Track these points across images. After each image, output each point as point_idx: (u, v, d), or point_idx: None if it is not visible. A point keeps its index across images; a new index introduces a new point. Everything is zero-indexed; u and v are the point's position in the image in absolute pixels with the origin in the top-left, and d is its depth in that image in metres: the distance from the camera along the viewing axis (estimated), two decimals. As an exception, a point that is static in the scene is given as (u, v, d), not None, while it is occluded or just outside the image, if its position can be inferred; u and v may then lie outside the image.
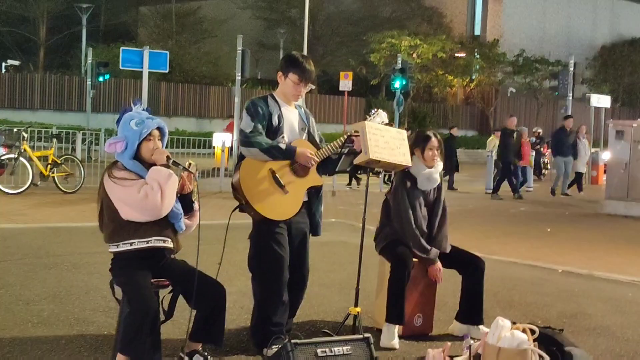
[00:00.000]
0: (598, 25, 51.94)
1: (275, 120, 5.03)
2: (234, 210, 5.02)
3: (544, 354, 4.45)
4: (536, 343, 4.46)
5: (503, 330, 4.38)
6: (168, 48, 31.70)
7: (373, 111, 5.44)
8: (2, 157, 14.40)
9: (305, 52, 24.94)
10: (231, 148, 19.32)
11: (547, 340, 4.79)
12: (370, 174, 5.44)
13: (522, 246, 10.62)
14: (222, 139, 18.63)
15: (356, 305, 5.32)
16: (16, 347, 4.99)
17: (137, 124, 4.45)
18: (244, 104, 5.10)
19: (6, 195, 13.72)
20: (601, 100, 28.76)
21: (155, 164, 4.49)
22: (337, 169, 5.35)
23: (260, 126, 4.95)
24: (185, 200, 4.66)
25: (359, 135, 5.17)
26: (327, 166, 5.24)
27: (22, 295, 6.36)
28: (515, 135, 18.21)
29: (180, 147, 21.74)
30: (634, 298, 7.42)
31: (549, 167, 24.68)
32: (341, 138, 5.21)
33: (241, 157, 5.01)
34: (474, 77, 42.31)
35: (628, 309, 6.95)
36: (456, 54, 40.47)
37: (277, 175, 4.94)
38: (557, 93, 28.76)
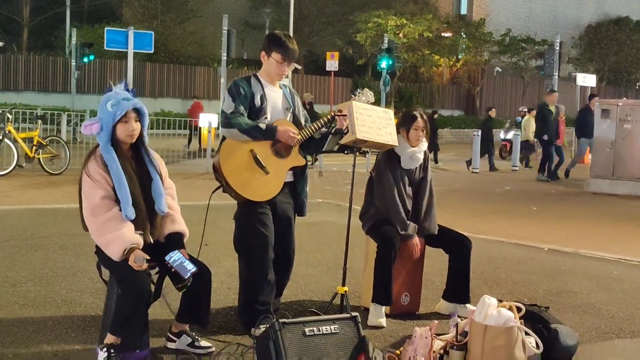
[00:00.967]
0: (584, 4, 51.95)
1: (257, 101, 5.01)
2: (214, 191, 5.02)
3: (530, 332, 4.48)
4: (522, 321, 4.49)
5: (490, 308, 4.40)
6: (153, 28, 31.43)
7: (358, 90, 5.43)
8: (-14, 139, 14.30)
9: (291, 32, 24.80)
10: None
11: (533, 317, 4.82)
12: (357, 153, 5.43)
13: (508, 225, 10.67)
14: (208, 120, 18.57)
15: (343, 284, 5.33)
16: (2, 328, 4.98)
17: (113, 105, 4.35)
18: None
19: (-9, 177, 13.64)
20: (587, 79, 28.88)
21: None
22: (323, 149, 5.34)
23: (242, 107, 4.93)
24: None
25: (343, 115, 5.16)
26: (310, 146, 5.23)
27: (8, 277, 6.33)
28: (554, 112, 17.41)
29: (165, 128, 21.65)
30: (619, 276, 7.47)
31: (536, 147, 24.66)
32: (325, 117, 5.20)
33: (223, 139, 4.99)
34: (460, 56, 42.21)
35: (613, 286, 7.01)
36: (442, 34, 40.33)
37: (257, 156, 4.92)
38: (542, 72, 28.79)
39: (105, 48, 20.74)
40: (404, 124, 5.72)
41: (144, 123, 4.51)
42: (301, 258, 6.57)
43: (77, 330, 5.01)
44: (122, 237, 4.23)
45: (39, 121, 16.37)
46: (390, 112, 5.56)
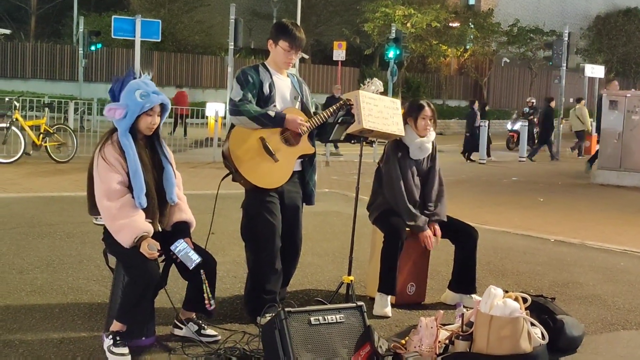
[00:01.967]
0: (593, -6, 51.71)
1: (266, 89, 5.01)
2: (223, 178, 5.02)
3: (535, 322, 4.48)
4: (528, 311, 4.49)
5: (495, 299, 4.39)
6: (160, 17, 31.43)
7: (368, 79, 5.42)
8: (-6, 127, 14.34)
9: (298, 21, 24.76)
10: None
11: (539, 308, 4.82)
12: (364, 143, 5.42)
13: (514, 216, 10.66)
14: (215, 109, 18.57)
15: (349, 274, 5.33)
16: (10, 315, 5.00)
17: (142, 96, 4.37)
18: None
19: (-2, 165, 13.68)
20: (595, 71, 28.72)
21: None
22: (330, 138, 5.33)
23: (250, 95, 4.93)
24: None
25: (351, 104, 5.15)
26: (321, 134, 5.23)
27: (15, 264, 6.35)
28: None
29: (172, 117, 21.64)
30: (625, 267, 7.46)
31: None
32: (334, 106, 5.19)
33: (232, 126, 4.99)
34: (468, 47, 42.06)
35: (619, 277, 7.00)
36: (450, 24, 40.18)
37: (267, 143, 4.92)
38: (550, 63, 28.61)
39: (113, 36, 20.71)
40: (411, 113, 5.69)
41: (164, 117, 4.57)
42: (307, 247, 6.58)
43: (83, 317, 5.03)
44: (134, 225, 4.24)
45: (46, 109, 16.39)
46: (398, 101, 5.54)
